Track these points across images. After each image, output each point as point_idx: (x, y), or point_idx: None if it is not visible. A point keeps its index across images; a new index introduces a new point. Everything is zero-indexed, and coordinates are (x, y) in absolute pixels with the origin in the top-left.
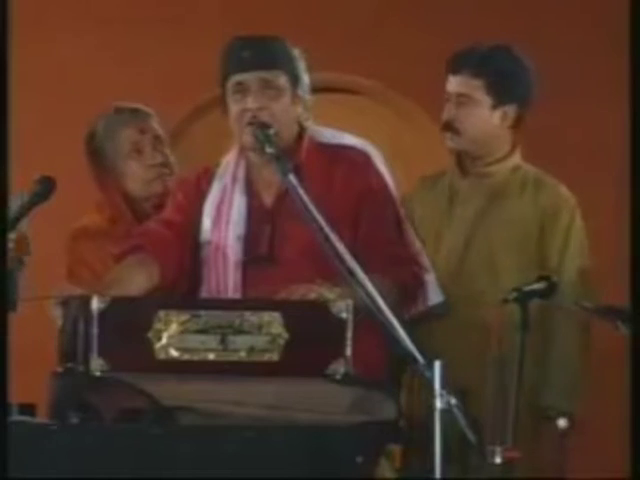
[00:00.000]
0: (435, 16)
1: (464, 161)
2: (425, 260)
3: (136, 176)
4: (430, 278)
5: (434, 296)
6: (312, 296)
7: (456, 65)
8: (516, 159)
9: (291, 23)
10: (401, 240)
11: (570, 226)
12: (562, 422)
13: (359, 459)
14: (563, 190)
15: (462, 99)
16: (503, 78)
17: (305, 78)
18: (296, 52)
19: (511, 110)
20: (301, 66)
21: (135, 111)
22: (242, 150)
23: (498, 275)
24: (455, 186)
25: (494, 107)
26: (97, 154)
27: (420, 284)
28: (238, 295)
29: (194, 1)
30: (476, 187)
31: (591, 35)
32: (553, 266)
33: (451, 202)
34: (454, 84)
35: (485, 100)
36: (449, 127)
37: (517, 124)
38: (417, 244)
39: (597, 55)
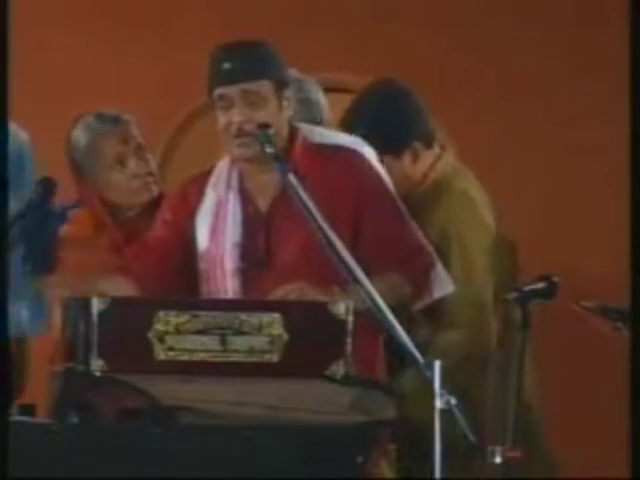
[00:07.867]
0: (432, 15)
1: None
2: (431, 249)
3: (120, 187)
4: (439, 266)
5: (445, 286)
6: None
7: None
8: (437, 170)
9: (287, 23)
10: (407, 231)
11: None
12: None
13: (359, 459)
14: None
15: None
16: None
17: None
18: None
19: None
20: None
21: (116, 119)
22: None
23: None
24: None
25: (395, 157)
26: (79, 166)
27: (432, 271)
28: None
29: (195, 0)
30: None
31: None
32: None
33: None
34: None
35: (385, 159)
36: None
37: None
38: (421, 234)
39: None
